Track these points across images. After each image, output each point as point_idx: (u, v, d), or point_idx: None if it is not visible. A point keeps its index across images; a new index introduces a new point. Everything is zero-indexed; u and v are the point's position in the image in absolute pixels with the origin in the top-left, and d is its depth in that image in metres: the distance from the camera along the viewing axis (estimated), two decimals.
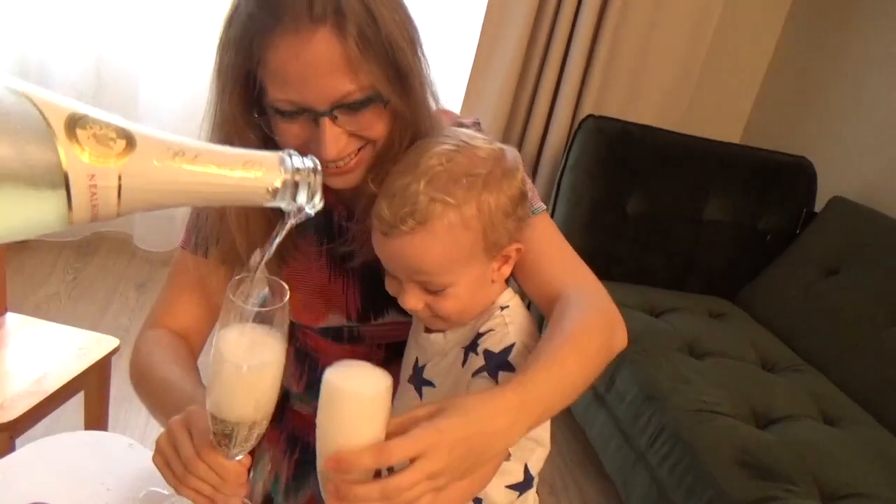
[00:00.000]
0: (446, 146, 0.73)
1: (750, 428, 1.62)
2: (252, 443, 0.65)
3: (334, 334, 0.93)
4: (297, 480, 1.01)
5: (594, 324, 0.75)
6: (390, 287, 0.78)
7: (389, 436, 0.59)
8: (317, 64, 0.67)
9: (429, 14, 2.58)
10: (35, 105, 0.48)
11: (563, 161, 2.39)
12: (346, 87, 0.69)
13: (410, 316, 0.92)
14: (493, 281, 0.79)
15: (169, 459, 0.65)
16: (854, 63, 2.46)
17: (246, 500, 0.70)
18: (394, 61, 0.70)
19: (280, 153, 0.58)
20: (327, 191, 0.69)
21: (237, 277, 0.62)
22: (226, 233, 0.82)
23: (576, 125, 2.43)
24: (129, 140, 0.51)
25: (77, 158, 0.48)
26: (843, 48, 2.52)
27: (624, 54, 2.60)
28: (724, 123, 2.89)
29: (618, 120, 2.38)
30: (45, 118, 0.48)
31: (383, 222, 0.72)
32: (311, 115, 0.71)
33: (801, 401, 1.78)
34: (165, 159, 0.53)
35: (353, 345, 0.94)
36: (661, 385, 1.72)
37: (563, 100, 2.57)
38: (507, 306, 0.80)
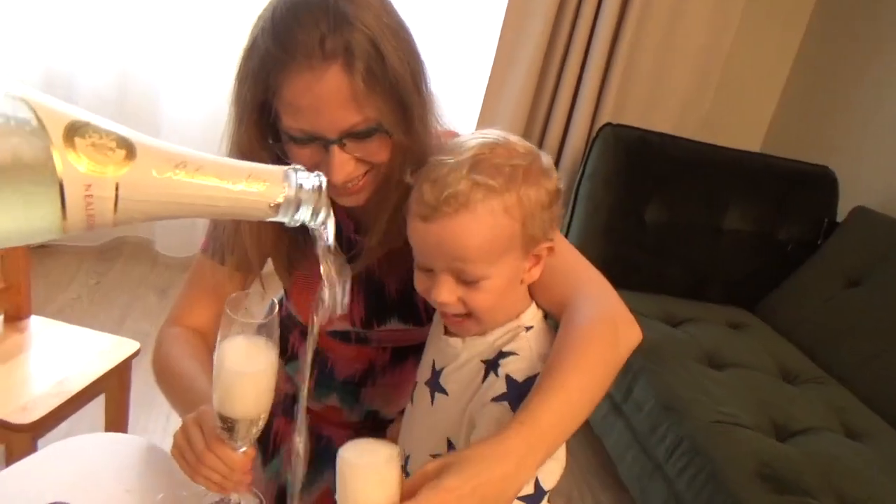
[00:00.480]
0: (486, 140, 0.75)
1: (770, 440, 1.60)
2: (254, 436, 0.72)
3: (341, 336, 0.98)
4: (311, 473, 1.04)
5: (595, 335, 0.75)
6: (420, 284, 0.78)
7: (403, 497, 0.62)
8: (328, 98, 0.73)
9: (448, 20, 2.60)
10: (34, 111, 0.47)
11: (581, 169, 2.39)
12: (353, 118, 0.74)
13: (412, 324, 0.97)
14: (522, 281, 0.79)
15: (184, 452, 0.73)
16: (877, 70, 2.44)
17: (252, 488, 0.77)
18: (397, 95, 0.76)
19: (285, 168, 0.59)
20: (336, 206, 0.75)
21: (233, 295, 0.69)
22: (240, 243, 0.87)
23: (594, 133, 2.43)
24: (130, 150, 0.50)
25: (73, 167, 0.47)
26: (866, 55, 2.49)
27: (643, 61, 2.60)
28: (744, 132, 2.87)
29: (636, 128, 2.37)
30: (42, 125, 0.47)
31: (424, 206, 0.72)
32: (321, 142, 0.76)
33: (822, 413, 1.75)
34: (166, 171, 0.52)
35: (359, 345, 0.99)
36: (679, 396, 1.71)
37: (582, 107, 2.57)
38: (532, 327, 0.79)
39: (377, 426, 1.07)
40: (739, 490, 1.43)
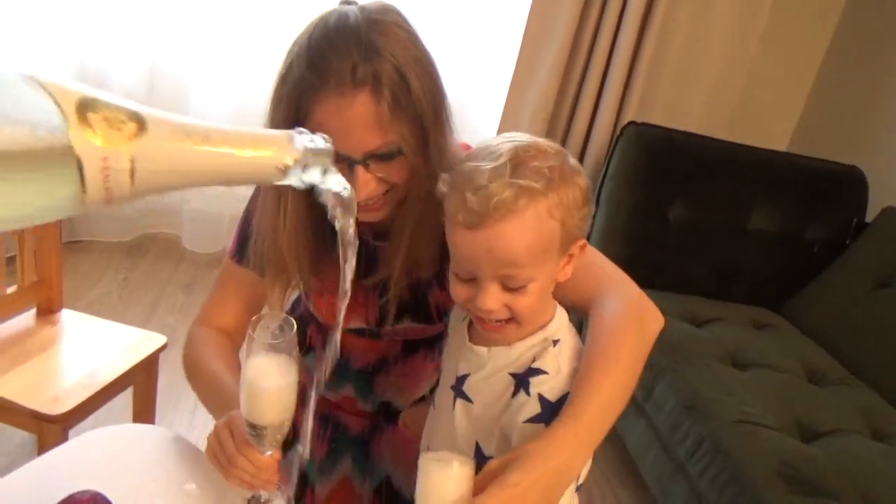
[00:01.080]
0: (516, 142, 0.75)
1: (794, 441, 1.59)
2: (280, 441, 0.79)
3: (356, 332, 1.04)
4: (330, 459, 1.10)
5: (624, 328, 0.82)
6: (460, 293, 0.78)
7: (479, 489, 0.68)
8: (355, 121, 0.79)
9: (473, 18, 2.60)
10: (46, 90, 0.48)
11: (605, 168, 2.38)
12: (377, 141, 0.80)
13: (424, 321, 1.00)
14: (555, 280, 0.80)
15: (217, 454, 0.80)
16: None
17: (279, 485, 0.83)
18: (419, 122, 0.82)
19: (290, 132, 0.60)
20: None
21: (255, 317, 0.75)
22: (277, 252, 0.92)
23: (618, 132, 2.41)
24: (141, 122, 0.51)
25: (89, 142, 0.48)
26: None
27: (668, 59, 2.57)
28: (772, 131, 2.84)
29: (660, 127, 2.36)
30: (56, 103, 0.47)
31: (471, 214, 0.71)
32: (347, 162, 0.82)
33: (848, 415, 1.73)
34: (177, 141, 0.53)
35: (372, 340, 1.05)
36: (701, 395, 1.70)
37: (606, 106, 2.56)
38: (558, 340, 0.80)
39: (390, 416, 1.11)
40: (762, 491, 1.42)
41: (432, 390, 1.12)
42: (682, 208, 2.31)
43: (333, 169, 0.61)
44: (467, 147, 0.94)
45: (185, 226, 2.85)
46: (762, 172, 2.38)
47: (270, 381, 0.75)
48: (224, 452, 0.78)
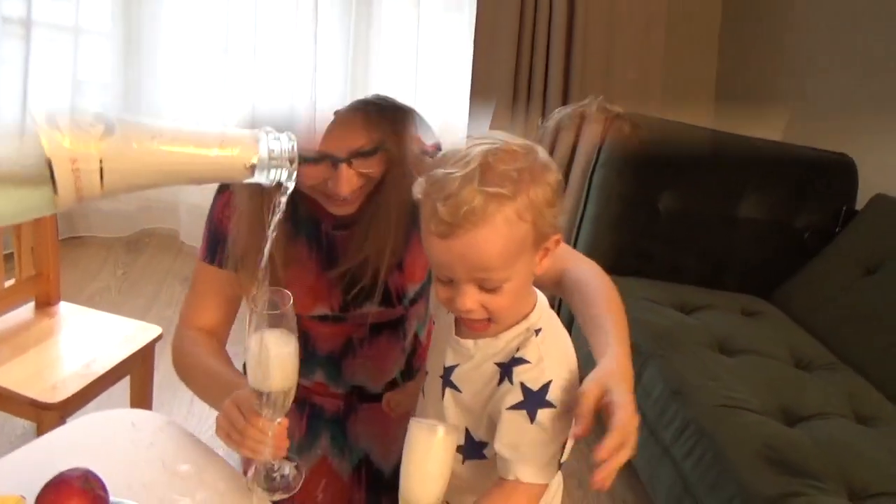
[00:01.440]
0: (485, 146, 0.75)
1: (778, 425, 1.61)
2: (286, 408, 0.82)
3: (320, 318, 1.08)
4: (308, 438, 1.14)
5: (604, 285, 0.94)
6: (441, 294, 0.80)
7: (585, 411, 0.73)
8: (343, 125, 0.87)
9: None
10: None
11: (595, 158, 2.39)
12: (361, 141, 0.89)
13: (387, 306, 1.05)
14: (533, 275, 0.82)
15: (228, 431, 0.83)
16: None
17: (289, 453, 0.86)
18: (399, 119, 0.92)
19: (257, 131, 0.62)
20: (319, 206, 0.93)
21: (253, 295, 0.79)
22: (256, 248, 0.94)
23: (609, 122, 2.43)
24: (108, 125, 0.54)
25: (59, 145, 0.51)
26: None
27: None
28: (764, 121, 2.85)
29: (651, 117, 2.37)
30: (26, 108, 0.51)
31: (442, 224, 0.72)
32: (331, 160, 0.89)
33: (833, 400, 1.75)
34: (144, 141, 0.55)
35: (337, 324, 1.09)
36: (688, 381, 1.72)
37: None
38: (540, 329, 0.82)
39: (364, 399, 1.14)
40: (744, 473, 1.45)
41: (403, 376, 1.15)
42: (673, 198, 2.33)
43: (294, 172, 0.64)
44: (418, 141, 1.00)
45: (182, 220, 2.88)
46: (752, 161, 2.39)
47: (274, 348, 0.79)
48: (235, 427, 0.82)
